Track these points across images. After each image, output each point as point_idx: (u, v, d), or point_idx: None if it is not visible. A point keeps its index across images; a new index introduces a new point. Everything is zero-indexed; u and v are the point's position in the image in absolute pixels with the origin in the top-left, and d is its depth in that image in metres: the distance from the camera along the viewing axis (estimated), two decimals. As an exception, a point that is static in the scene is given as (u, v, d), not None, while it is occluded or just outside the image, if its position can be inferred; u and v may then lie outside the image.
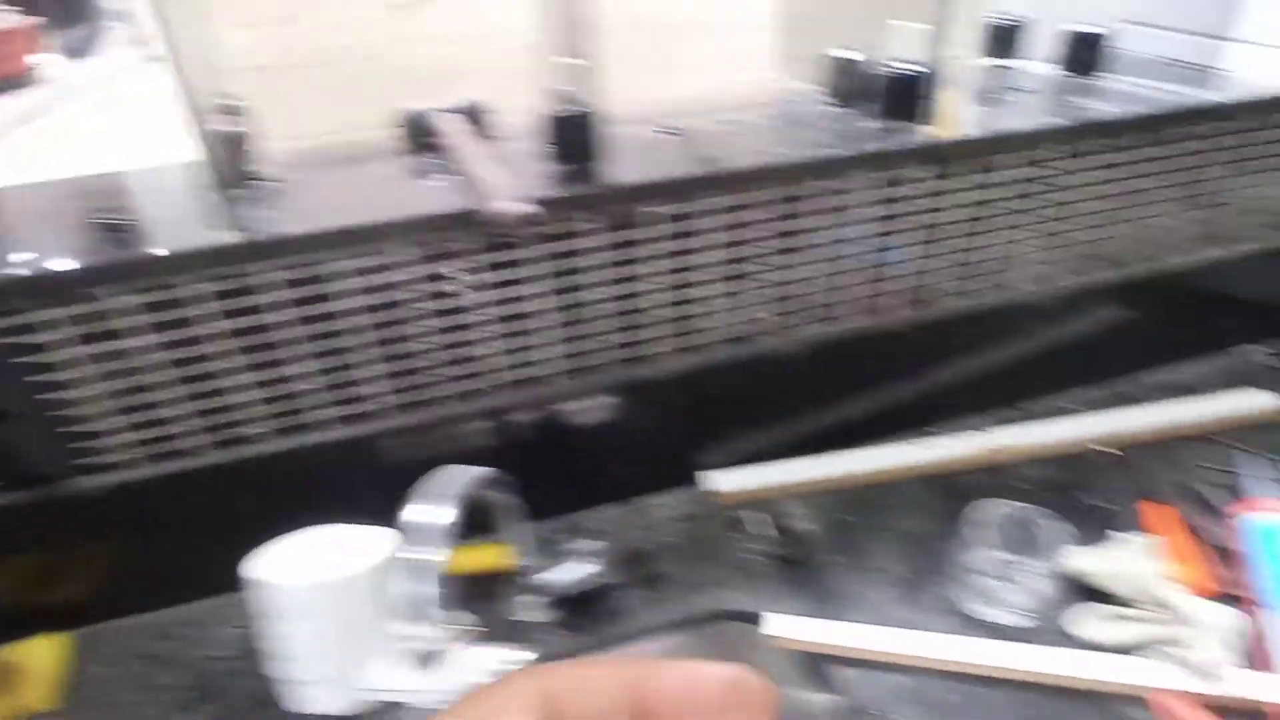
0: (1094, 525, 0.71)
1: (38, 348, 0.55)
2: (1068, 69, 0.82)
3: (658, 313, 0.68)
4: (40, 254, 0.54)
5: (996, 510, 0.65)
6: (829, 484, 0.77)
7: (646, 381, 0.71)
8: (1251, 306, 0.94)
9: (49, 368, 0.56)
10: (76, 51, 1.24)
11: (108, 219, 0.56)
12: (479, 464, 0.53)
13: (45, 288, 0.54)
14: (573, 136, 0.61)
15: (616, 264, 0.64)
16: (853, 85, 0.74)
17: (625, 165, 0.64)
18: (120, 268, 0.54)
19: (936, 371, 0.82)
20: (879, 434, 0.81)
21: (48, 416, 0.57)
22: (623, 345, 0.68)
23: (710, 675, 0.16)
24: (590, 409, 0.70)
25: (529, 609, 0.65)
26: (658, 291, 0.67)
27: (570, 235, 0.62)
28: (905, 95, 0.66)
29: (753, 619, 0.64)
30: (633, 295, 0.66)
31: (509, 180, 0.56)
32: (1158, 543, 0.68)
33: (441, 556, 0.44)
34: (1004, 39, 0.85)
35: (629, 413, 0.72)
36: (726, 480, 0.76)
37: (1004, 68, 0.86)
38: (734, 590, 0.67)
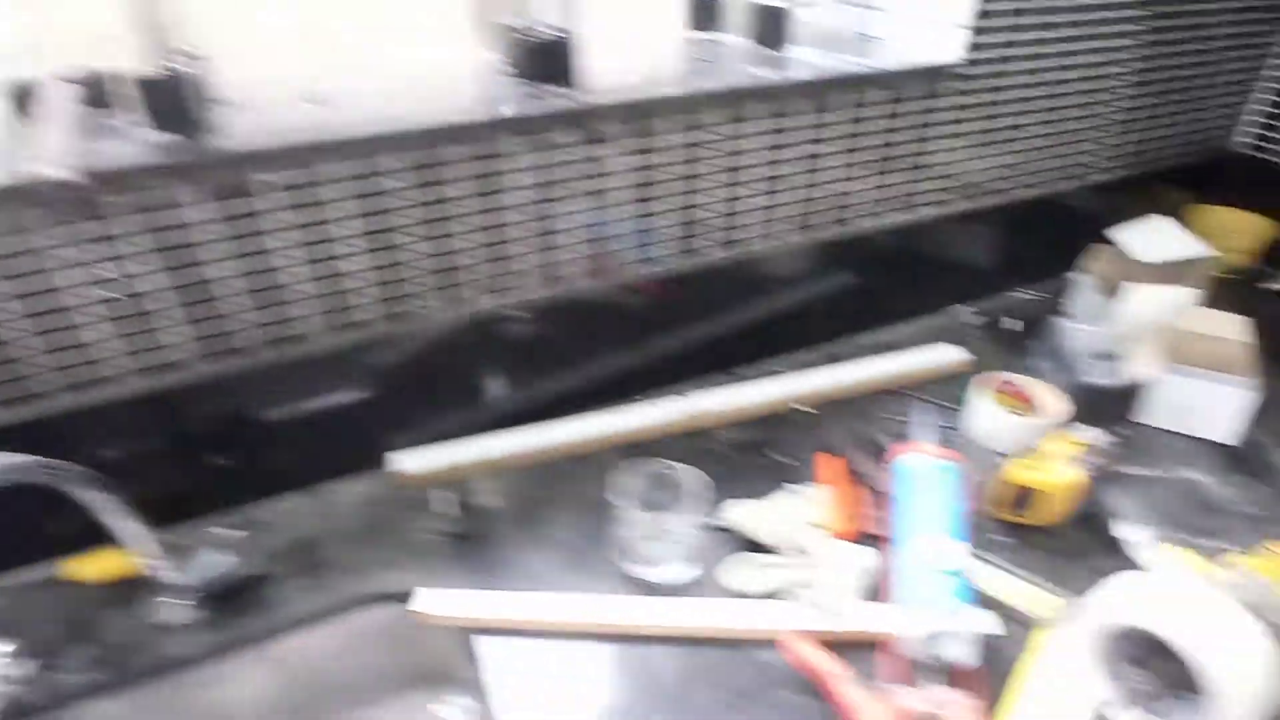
0: (777, 480, 0.73)
1: None
2: (758, 41, 0.84)
3: (301, 288, 0.65)
4: None
5: (640, 471, 0.65)
6: (522, 460, 0.76)
7: (301, 361, 0.67)
8: (957, 268, 1.01)
9: None
10: None
11: None
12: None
13: None
14: (169, 103, 0.57)
15: (238, 237, 0.61)
16: (520, 53, 0.72)
17: (245, 134, 0.60)
18: None
19: (639, 341, 0.83)
20: (583, 407, 0.80)
21: None
22: (262, 325, 0.65)
23: None
24: (230, 397, 0.66)
25: (170, 611, 0.61)
26: (295, 265, 0.64)
27: (175, 206, 0.58)
28: (550, 59, 0.65)
29: (403, 598, 0.62)
30: (266, 270, 0.63)
31: (62, 144, 0.51)
32: (818, 492, 0.71)
33: None
34: (705, 12, 0.86)
35: (288, 396, 0.69)
36: (413, 461, 0.74)
37: (707, 41, 0.87)
38: (401, 571, 0.65)
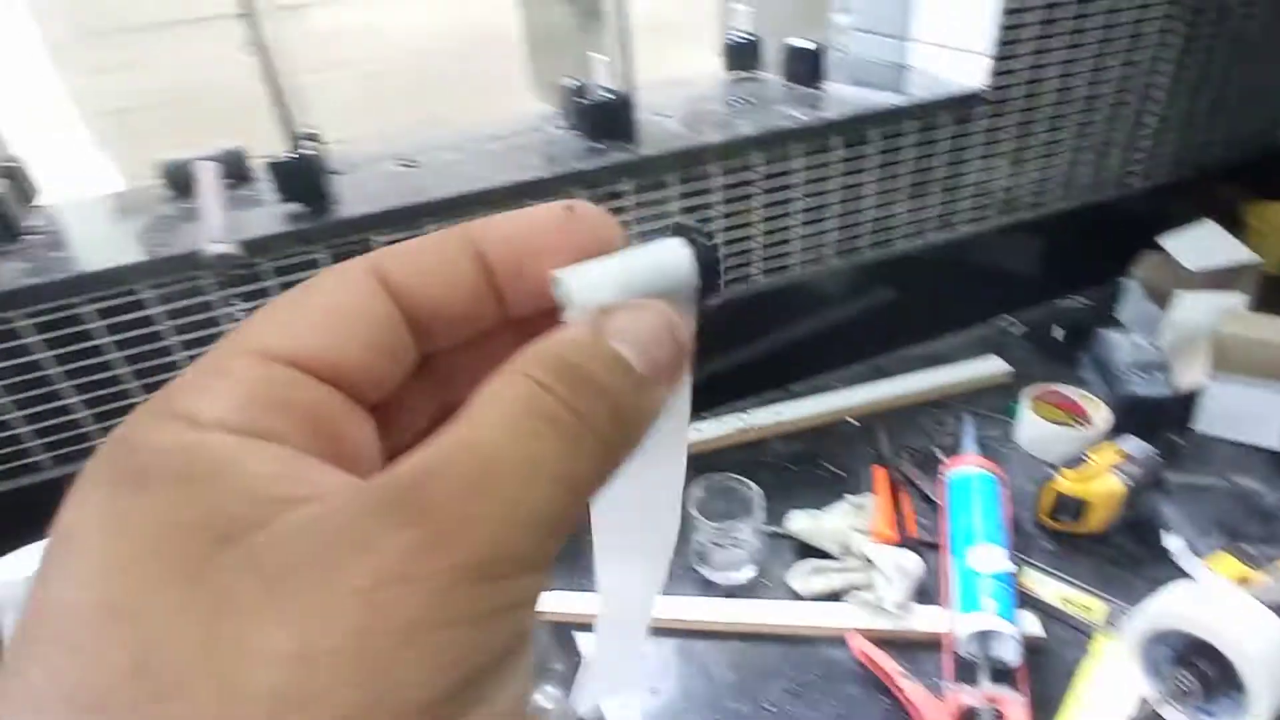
0: (832, 489, 0.79)
1: None
2: (794, 80, 0.91)
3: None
4: None
5: (709, 484, 0.73)
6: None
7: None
8: (1000, 280, 1.04)
9: None
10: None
11: None
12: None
13: None
14: (296, 179, 0.68)
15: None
16: (576, 109, 0.81)
17: (357, 200, 0.71)
18: None
19: (708, 361, 0.90)
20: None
21: None
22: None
23: (542, 208, 0.16)
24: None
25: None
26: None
27: (308, 267, 0.69)
28: (607, 118, 0.74)
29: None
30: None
31: (224, 223, 0.63)
32: (872, 501, 0.77)
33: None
34: (743, 55, 0.94)
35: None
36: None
37: (746, 80, 0.95)
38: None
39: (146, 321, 0.67)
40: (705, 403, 0.91)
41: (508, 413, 0.13)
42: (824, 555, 0.73)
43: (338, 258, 0.69)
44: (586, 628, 0.68)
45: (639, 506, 0.18)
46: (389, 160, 0.80)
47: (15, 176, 0.77)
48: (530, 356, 0.13)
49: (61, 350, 0.65)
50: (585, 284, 0.15)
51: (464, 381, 0.16)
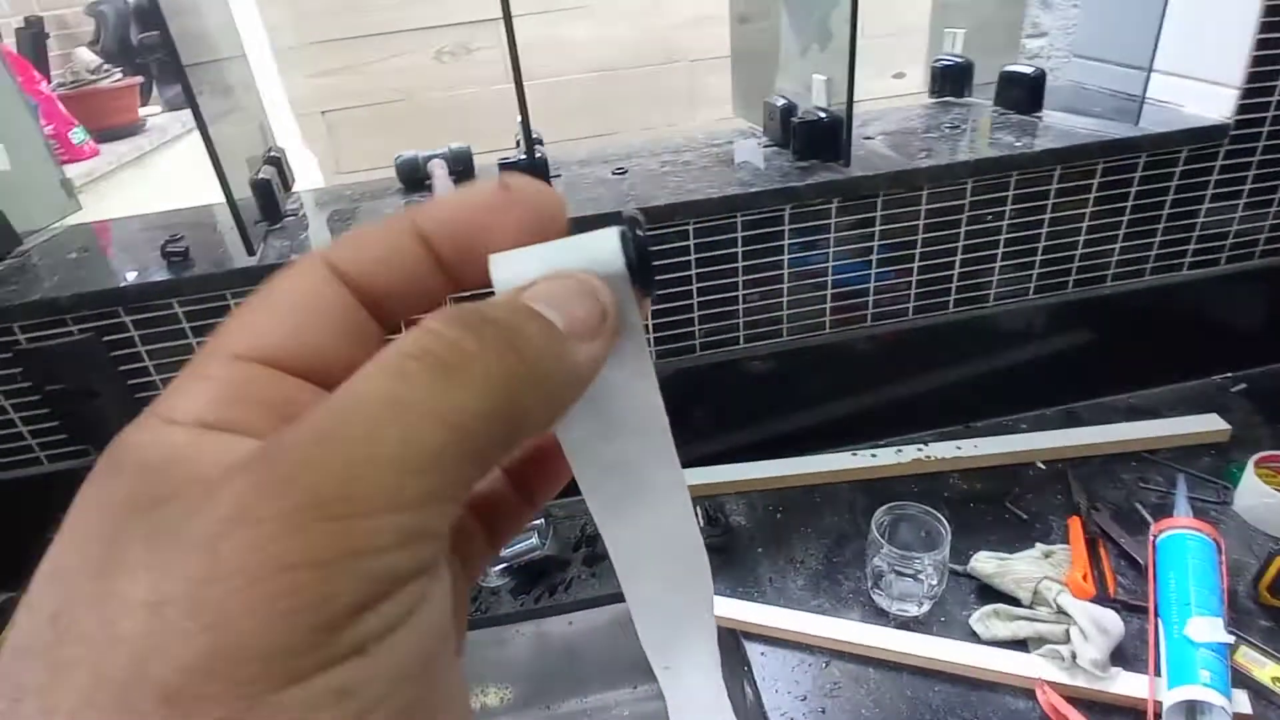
0: (1018, 533, 0.76)
1: (129, 343, 0.72)
2: (1009, 106, 0.88)
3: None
4: (119, 273, 0.71)
5: (896, 512, 0.71)
6: (765, 484, 0.85)
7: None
8: (1222, 332, 0.95)
9: (136, 358, 0.73)
10: (177, 105, 1.48)
11: (170, 248, 0.73)
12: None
13: (118, 299, 0.70)
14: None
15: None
16: (784, 128, 0.82)
17: (573, 203, 0.75)
18: (170, 285, 0.70)
19: (886, 386, 0.89)
20: (828, 442, 0.88)
21: (132, 395, 0.74)
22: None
23: (478, 186, 0.16)
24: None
25: (488, 577, 0.77)
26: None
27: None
28: (820, 138, 0.74)
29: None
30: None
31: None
32: (1068, 551, 0.72)
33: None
34: (952, 78, 0.92)
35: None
36: (673, 477, 0.85)
37: (953, 105, 0.93)
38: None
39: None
40: (881, 428, 0.89)
41: (382, 358, 0.13)
42: (1009, 600, 0.70)
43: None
44: (757, 638, 0.69)
45: (643, 504, 0.18)
46: (599, 165, 0.84)
47: (279, 165, 0.88)
48: (434, 313, 0.13)
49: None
50: (512, 268, 0.15)
51: None
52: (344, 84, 1.84)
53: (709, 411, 0.86)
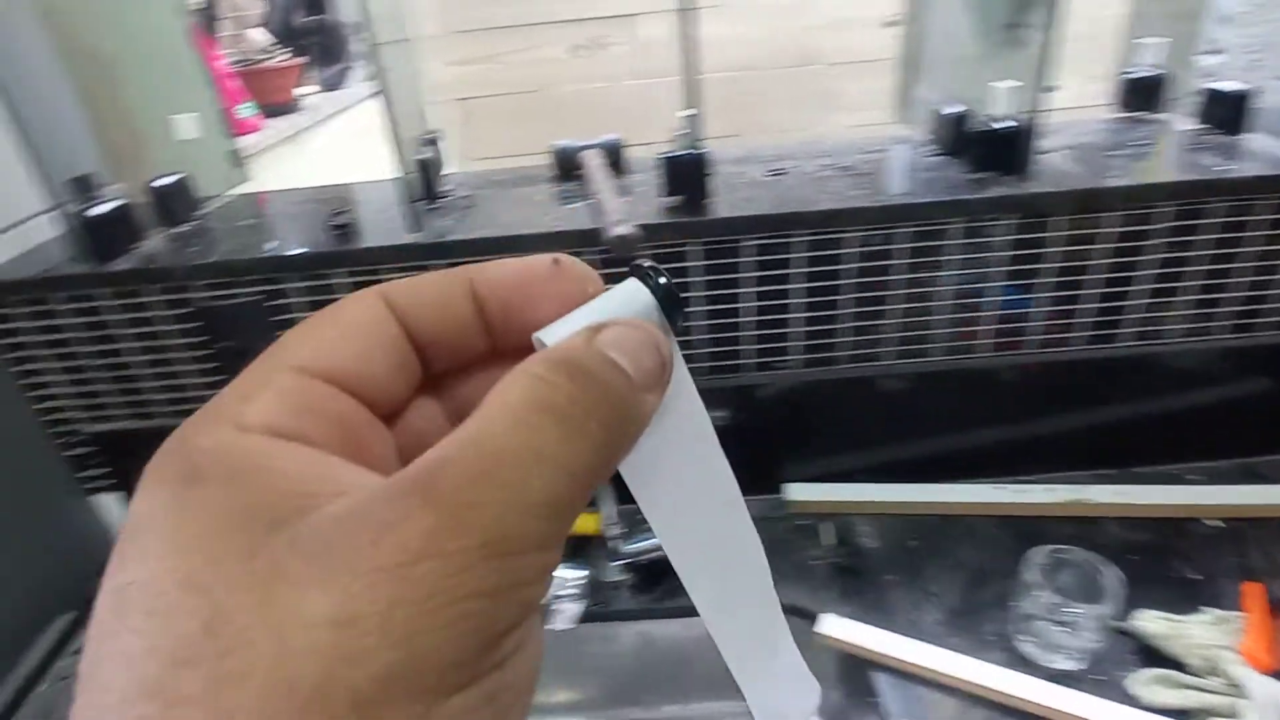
0: (1183, 594, 0.69)
1: (287, 308, 0.76)
2: (1212, 125, 0.80)
3: (750, 331, 0.77)
4: (287, 242, 0.75)
5: (1058, 556, 0.66)
6: (900, 508, 0.80)
7: (741, 389, 0.79)
8: None
9: (292, 324, 0.76)
10: (331, 85, 1.57)
11: (336, 221, 0.76)
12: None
13: (289, 266, 0.74)
14: (683, 175, 0.72)
15: (712, 285, 0.74)
16: (954, 137, 0.78)
17: (730, 202, 0.74)
18: (337, 256, 0.73)
19: (1039, 419, 0.83)
20: (968, 471, 0.83)
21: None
22: (715, 355, 0.78)
23: (532, 259, 0.18)
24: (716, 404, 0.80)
25: (609, 571, 0.77)
26: (748, 315, 0.76)
27: (680, 258, 0.73)
28: (998, 149, 0.70)
29: (808, 616, 0.70)
30: (728, 315, 0.76)
31: (624, 207, 0.68)
32: (1240, 617, 0.65)
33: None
34: (1144, 92, 0.85)
35: (727, 417, 0.81)
36: (804, 491, 0.82)
37: (1143, 121, 0.85)
38: (792, 587, 0.74)
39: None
40: (1030, 463, 0.83)
41: (512, 408, 0.14)
42: (1173, 665, 0.63)
43: (709, 254, 0.73)
44: (887, 669, 0.65)
45: (701, 517, 0.19)
46: (753, 164, 0.82)
47: (435, 145, 0.90)
48: (533, 358, 0.15)
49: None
50: (560, 334, 0.16)
51: (464, 399, 0.18)
52: (481, 73, 1.89)
53: (842, 426, 0.83)
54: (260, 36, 1.38)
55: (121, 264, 0.76)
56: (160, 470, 0.14)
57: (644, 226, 0.69)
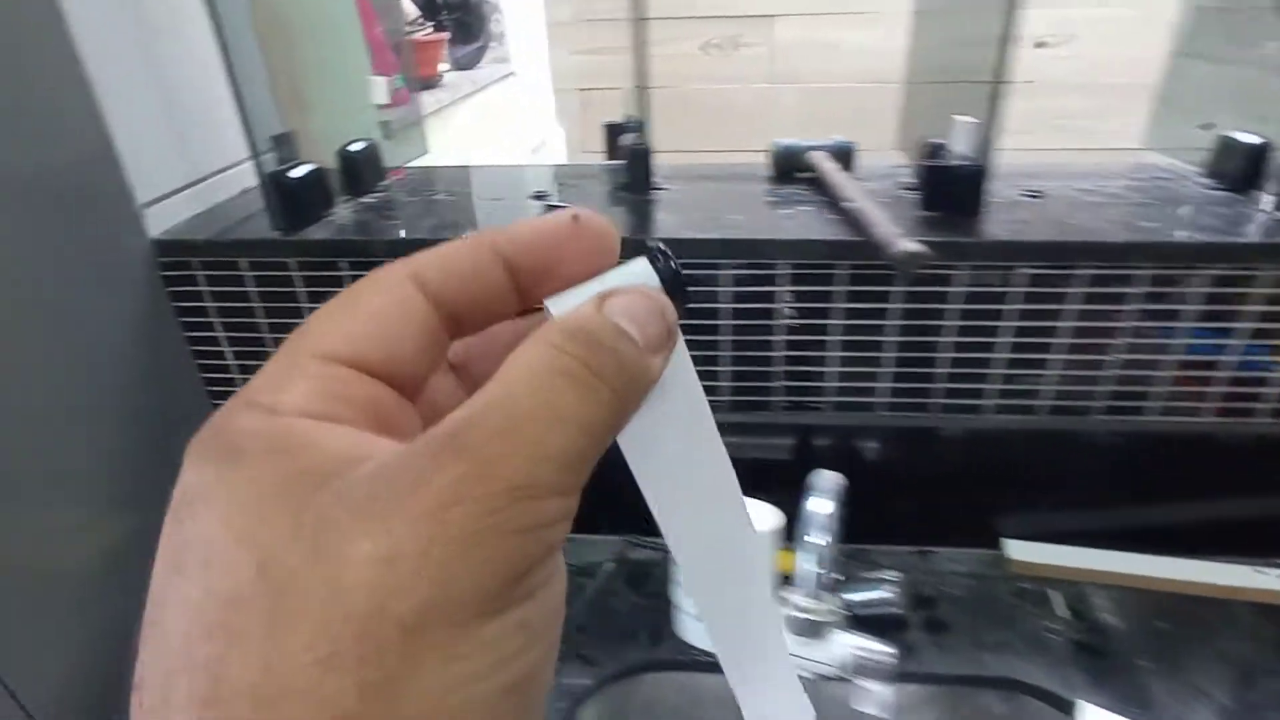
0: None
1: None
2: None
3: (999, 370, 0.69)
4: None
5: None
6: (1144, 582, 0.71)
7: (964, 432, 0.71)
8: None
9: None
10: (464, 64, 1.52)
11: (554, 204, 0.69)
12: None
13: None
14: (954, 188, 0.64)
15: (968, 315, 0.66)
16: (1244, 169, 0.69)
17: (1001, 223, 0.66)
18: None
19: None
20: (1216, 547, 0.73)
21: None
22: (948, 393, 0.70)
23: (552, 217, 0.18)
24: (907, 446, 0.72)
25: (820, 614, 0.69)
26: (1002, 351, 0.67)
27: (931, 281, 0.65)
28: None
29: (1060, 704, 0.61)
30: (981, 350, 0.68)
31: (893, 221, 0.60)
32: None
33: (826, 542, 0.49)
34: None
35: (937, 459, 0.73)
36: (1028, 551, 0.74)
37: None
38: (1028, 661, 0.65)
39: (769, 297, 0.67)
40: (1201, 541, 0.73)
41: (531, 371, 0.15)
42: None
43: (974, 279, 0.65)
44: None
45: (696, 491, 0.19)
46: (1000, 181, 0.74)
47: (642, 132, 0.84)
48: (548, 327, 0.16)
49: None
50: (568, 304, 0.17)
51: (479, 362, 0.20)
52: (607, 63, 1.83)
53: (1058, 484, 0.74)
54: (410, 7, 1.33)
55: (315, 232, 0.70)
56: (203, 450, 0.15)
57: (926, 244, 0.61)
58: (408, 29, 1.29)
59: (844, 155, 0.77)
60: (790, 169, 0.78)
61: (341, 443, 0.15)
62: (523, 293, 0.18)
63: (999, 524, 0.76)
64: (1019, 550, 0.74)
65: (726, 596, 0.20)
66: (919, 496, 0.75)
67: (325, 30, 0.92)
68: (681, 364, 0.18)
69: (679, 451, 0.19)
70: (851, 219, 0.64)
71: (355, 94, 1.00)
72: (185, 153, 0.74)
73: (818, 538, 0.50)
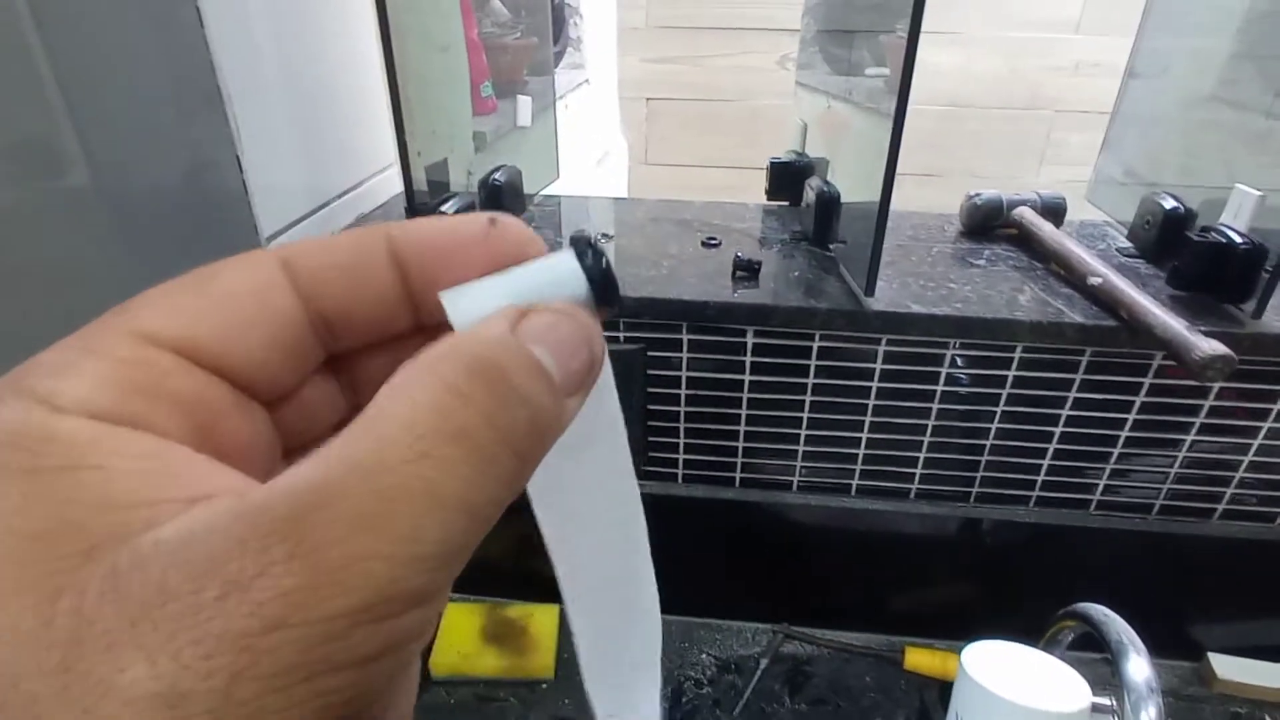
0: None
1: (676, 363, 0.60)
2: None
3: (1232, 472, 0.61)
4: (664, 275, 0.59)
5: None
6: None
7: (1205, 539, 0.64)
8: None
9: (674, 382, 0.61)
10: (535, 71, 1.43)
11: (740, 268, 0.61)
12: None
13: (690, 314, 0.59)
14: (1224, 269, 0.56)
15: (1213, 413, 0.58)
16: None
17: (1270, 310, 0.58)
18: (750, 311, 0.58)
19: None
20: None
21: (646, 421, 0.63)
22: (1171, 495, 0.62)
23: (464, 218, 0.15)
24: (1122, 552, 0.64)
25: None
26: (1244, 453, 0.60)
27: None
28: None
29: None
30: (1218, 446, 0.60)
31: (1168, 310, 0.52)
32: None
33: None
34: None
35: (1136, 564, 0.65)
36: (1239, 670, 0.66)
37: None
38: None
39: (1001, 381, 0.59)
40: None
41: (413, 426, 0.11)
42: None
43: (1242, 375, 0.57)
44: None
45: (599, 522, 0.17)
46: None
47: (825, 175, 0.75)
48: (446, 351, 0.12)
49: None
50: (473, 303, 0.14)
51: (373, 385, 0.13)
52: (677, 73, 1.74)
53: (1180, 590, 0.67)
54: (500, 9, 1.23)
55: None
56: None
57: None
58: (500, 31, 1.19)
59: (1055, 212, 0.69)
60: (989, 225, 0.70)
61: (140, 465, 0.11)
62: (415, 302, 0.15)
63: (1200, 635, 0.69)
64: (1229, 669, 0.66)
65: (610, 633, 0.19)
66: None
67: (438, 34, 0.82)
68: (604, 392, 0.15)
69: (586, 494, 0.17)
70: (1104, 299, 0.56)
71: (458, 103, 0.90)
72: (310, 181, 0.64)
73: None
